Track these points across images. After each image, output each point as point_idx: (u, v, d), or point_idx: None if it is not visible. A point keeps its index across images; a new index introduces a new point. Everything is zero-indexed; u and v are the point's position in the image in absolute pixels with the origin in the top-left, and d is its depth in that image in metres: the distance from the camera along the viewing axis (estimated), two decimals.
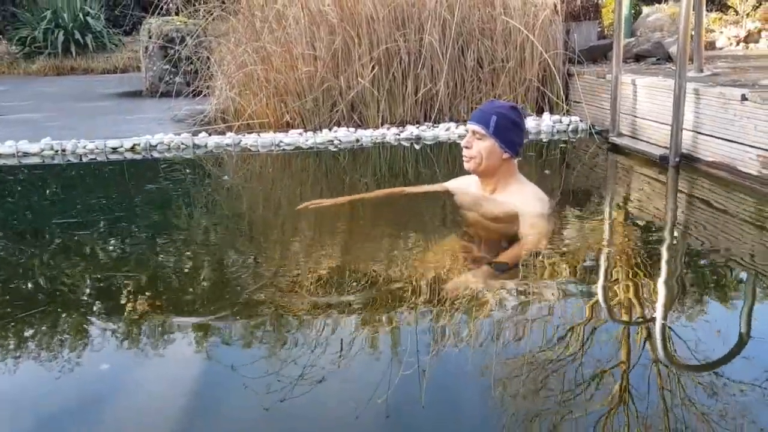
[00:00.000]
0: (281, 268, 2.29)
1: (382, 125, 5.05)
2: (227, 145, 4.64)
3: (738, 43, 6.94)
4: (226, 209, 3.25)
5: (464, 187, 2.82)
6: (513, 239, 2.39)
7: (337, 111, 5.06)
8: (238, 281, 2.17)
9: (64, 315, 1.98)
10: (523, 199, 2.56)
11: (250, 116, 5.06)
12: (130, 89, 7.93)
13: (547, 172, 3.79)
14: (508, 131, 2.53)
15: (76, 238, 2.71)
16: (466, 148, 2.57)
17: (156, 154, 4.50)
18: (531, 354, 1.66)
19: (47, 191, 3.74)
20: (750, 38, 6.95)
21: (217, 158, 4.44)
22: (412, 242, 2.50)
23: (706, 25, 6.84)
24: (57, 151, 4.49)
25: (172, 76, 7.13)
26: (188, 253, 2.52)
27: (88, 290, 2.20)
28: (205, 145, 4.64)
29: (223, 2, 5.64)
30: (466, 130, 2.63)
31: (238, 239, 2.73)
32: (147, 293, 2.14)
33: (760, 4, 7.52)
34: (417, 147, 4.59)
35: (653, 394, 1.48)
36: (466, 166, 2.60)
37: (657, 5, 8.03)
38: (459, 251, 2.39)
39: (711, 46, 6.75)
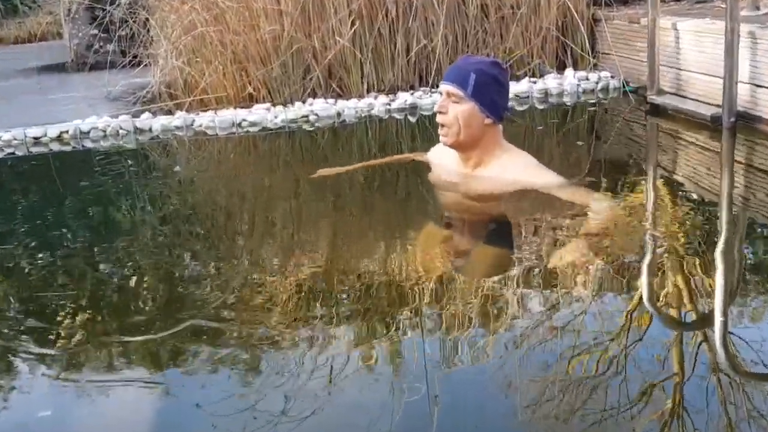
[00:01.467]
0: (249, 278, 2.30)
1: (368, 94, 5.05)
2: (177, 127, 4.63)
3: None
4: (179, 208, 3.24)
5: (442, 161, 2.86)
6: (507, 221, 2.46)
7: (311, 79, 5.05)
8: (197, 296, 2.17)
9: None
10: (520, 169, 2.59)
11: (203, 90, 5.04)
12: (52, 62, 7.86)
13: (579, 143, 3.80)
14: (489, 91, 2.56)
15: None
16: (440, 113, 2.60)
17: (89, 144, 4.48)
18: (563, 367, 1.67)
19: None
20: None
21: (165, 145, 4.43)
22: (396, 237, 2.53)
23: None
24: None
25: (102, 44, 7.08)
26: (134, 263, 2.52)
27: (11, 314, 2.19)
28: (150, 129, 4.63)
29: None
30: (440, 92, 2.66)
31: (194, 244, 2.73)
32: (84, 316, 2.14)
33: None
34: (412, 119, 4.59)
35: (713, 408, 1.50)
36: (443, 140, 2.65)
37: None
38: (443, 244, 2.44)
39: None
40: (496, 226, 2.60)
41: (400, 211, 2.91)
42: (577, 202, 2.52)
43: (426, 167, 3.01)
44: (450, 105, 2.57)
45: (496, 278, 2.16)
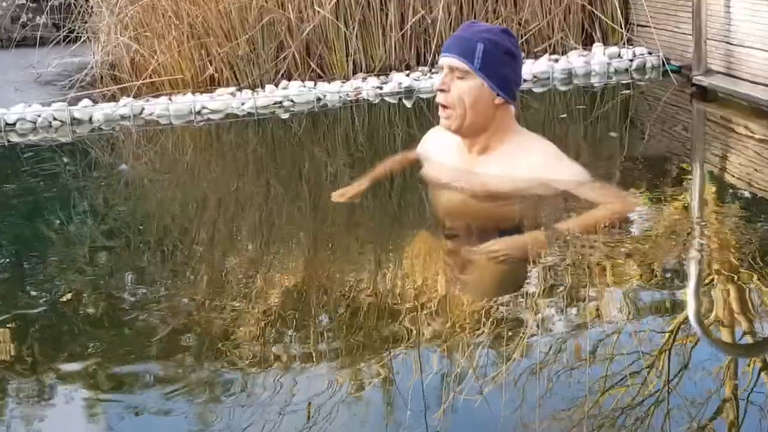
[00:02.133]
0: (211, 300, 2.29)
1: (354, 75, 5.06)
2: (122, 116, 4.62)
3: None
4: (126, 214, 3.24)
5: (438, 151, 2.85)
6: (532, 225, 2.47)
7: (285, 57, 5.06)
8: (146, 322, 2.17)
9: None
10: (537, 160, 2.60)
11: (155, 71, 5.05)
12: None
13: (613, 135, 3.82)
14: (500, 64, 2.55)
15: None
16: (442, 91, 2.58)
17: (15, 138, 4.47)
18: (593, 402, 1.67)
19: None
20: None
21: (109, 138, 4.43)
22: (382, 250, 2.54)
23: None
24: None
25: (32, 16, 7.08)
26: (71, 282, 2.51)
27: None
28: (90, 119, 4.62)
29: None
30: (440, 67, 2.66)
31: (142, 257, 2.72)
32: (9, 348, 2.13)
33: None
34: (408, 104, 4.60)
35: None
36: (444, 124, 2.62)
37: None
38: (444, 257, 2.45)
39: None
40: (508, 234, 2.59)
41: (391, 218, 2.91)
42: (594, 200, 2.52)
43: (417, 165, 2.99)
44: (454, 82, 2.56)
45: (507, 297, 2.16)
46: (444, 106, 2.58)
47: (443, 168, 2.82)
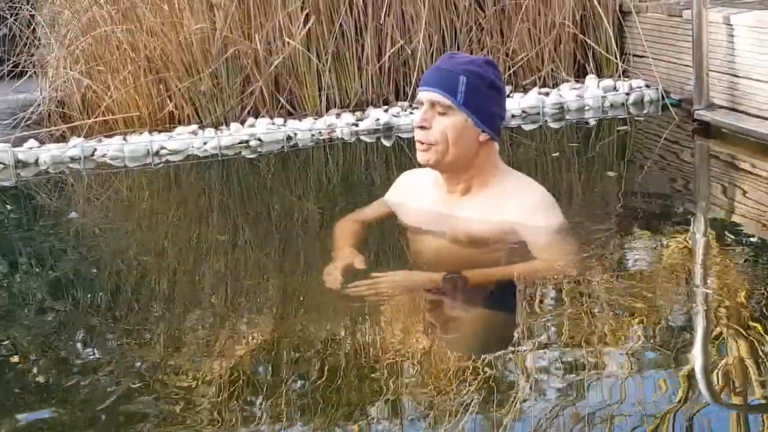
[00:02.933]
0: (166, 360, 2.28)
1: (327, 111, 5.08)
2: (72, 158, 4.62)
3: None
4: (75, 266, 3.22)
5: (414, 194, 2.87)
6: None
7: (252, 93, 5.08)
8: (95, 386, 2.16)
9: None
10: (520, 204, 2.62)
11: (108, 109, 5.05)
12: None
13: (611, 174, 3.85)
14: (485, 98, 2.57)
15: None
16: (423, 128, 2.59)
17: None
18: None
19: None
20: None
21: (57, 182, 4.41)
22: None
23: None
24: None
25: None
26: (14, 340, 2.50)
27: None
28: (36, 162, 4.62)
29: None
30: (419, 103, 2.67)
31: (93, 315, 2.70)
32: None
33: None
34: (387, 143, 4.63)
35: None
36: (422, 158, 2.62)
37: None
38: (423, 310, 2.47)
39: None
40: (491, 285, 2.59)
41: (367, 268, 2.89)
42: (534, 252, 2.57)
43: (390, 215, 2.99)
44: (435, 118, 2.57)
45: (495, 355, 2.16)
46: (423, 142, 2.58)
47: (422, 212, 2.82)
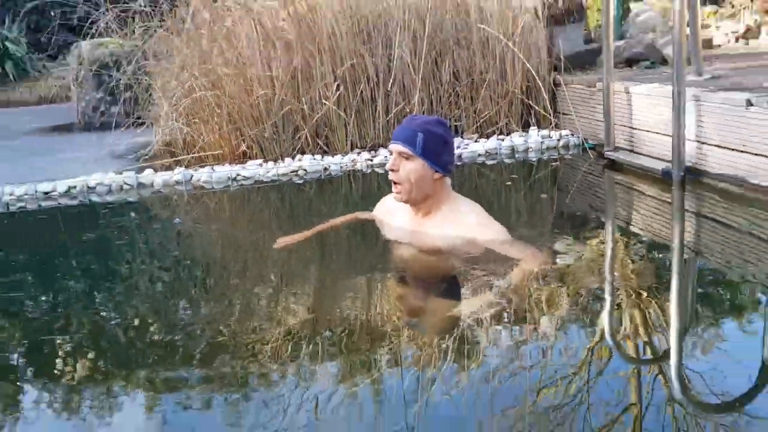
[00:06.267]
0: (242, 324, 2.29)
1: (351, 150, 5.11)
2: (177, 182, 4.65)
3: (737, 40, 7.17)
4: (179, 257, 3.24)
5: (392, 212, 2.87)
6: (464, 275, 2.46)
7: (299, 137, 5.11)
8: (194, 343, 2.17)
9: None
10: (467, 221, 2.62)
11: (201, 148, 5.09)
12: (60, 122, 7.88)
13: (544, 196, 3.86)
14: (437, 150, 2.58)
15: (7, 299, 2.69)
16: (393, 171, 2.61)
17: (95, 198, 4.48)
18: (532, 402, 1.68)
19: None
20: (749, 34, 7.18)
21: (166, 199, 4.44)
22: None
23: (702, 20, 7.06)
24: None
25: (108, 106, 7.13)
26: (133, 310, 2.52)
27: (20, 357, 2.17)
28: (152, 184, 4.65)
29: (163, 20, 5.69)
30: (389, 151, 2.69)
31: (191, 291, 2.72)
32: (86, 360, 2.12)
33: None
34: None
35: None
36: (396, 197, 2.66)
37: None
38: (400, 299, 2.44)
39: (708, 44, 6.95)
40: (445, 280, 2.58)
41: (350, 268, 2.88)
42: (513, 256, 2.52)
43: (372, 224, 3.01)
44: (402, 163, 2.59)
45: (451, 329, 2.15)
46: (395, 182, 2.62)
47: (395, 228, 2.85)
